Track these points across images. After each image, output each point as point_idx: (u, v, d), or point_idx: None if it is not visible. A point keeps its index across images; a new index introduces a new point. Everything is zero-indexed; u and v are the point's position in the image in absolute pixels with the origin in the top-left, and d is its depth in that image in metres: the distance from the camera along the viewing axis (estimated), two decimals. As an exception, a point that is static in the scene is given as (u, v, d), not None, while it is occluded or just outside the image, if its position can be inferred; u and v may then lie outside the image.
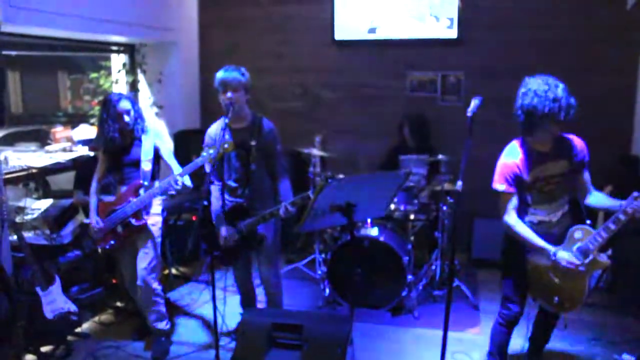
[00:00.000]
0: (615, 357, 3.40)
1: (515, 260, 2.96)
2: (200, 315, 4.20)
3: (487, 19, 5.22)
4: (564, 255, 2.73)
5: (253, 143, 3.32)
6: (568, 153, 2.82)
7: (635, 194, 2.56)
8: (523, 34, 5.13)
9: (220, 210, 3.37)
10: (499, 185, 2.85)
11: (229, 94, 3.20)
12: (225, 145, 3.01)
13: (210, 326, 3.96)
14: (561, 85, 2.66)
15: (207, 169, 3.04)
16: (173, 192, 3.40)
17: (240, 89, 3.24)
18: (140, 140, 3.52)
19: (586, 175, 2.89)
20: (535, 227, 2.86)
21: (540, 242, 2.78)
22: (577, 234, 2.77)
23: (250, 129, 3.36)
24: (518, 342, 3.26)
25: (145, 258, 3.50)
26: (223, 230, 3.32)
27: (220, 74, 3.27)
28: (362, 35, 5.48)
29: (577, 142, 2.86)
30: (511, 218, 2.85)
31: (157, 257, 3.56)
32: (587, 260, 2.71)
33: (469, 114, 2.59)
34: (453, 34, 5.25)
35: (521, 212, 2.88)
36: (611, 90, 4.97)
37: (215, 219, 3.41)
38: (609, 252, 4.32)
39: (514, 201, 2.85)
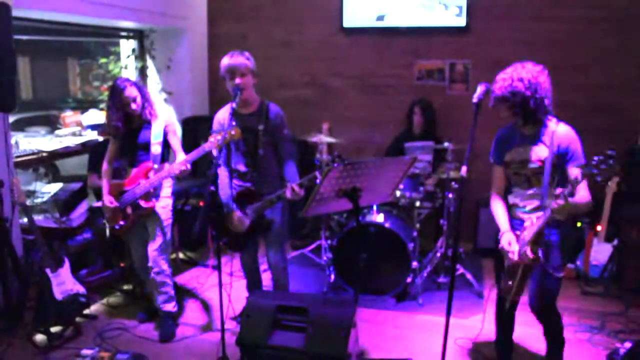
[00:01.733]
0: (618, 346, 3.40)
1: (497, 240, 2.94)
2: (207, 299, 4.24)
3: (496, 7, 5.18)
4: (505, 238, 2.70)
5: (261, 127, 3.34)
6: (550, 142, 2.62)
7: (557, 191, 2.40)
8: (533, 24, 5.09)
9: (230, 197, 3.40)
10: (491, 158, 2.93)
11: (237, 80, 3.21)
12: (232, 132, 3.00)
13: (216, 310, 4.00)
14: (518, 74, 2.56)
15: (214, 152, 3.06)
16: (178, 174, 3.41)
17: (247, 74, 3.26)
18: (149, 123, 3.54)
19: (572, 171, 2.53)
20: (508, 209, 2.85)
21: (499, 220, 2.79)
22: (527, 222, 2.66)
23: (257, 114, 3.38)
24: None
25: (156, 240, 3.55)
26: (238, 213, 3.34)
27: (225, 60, 3.27)
28: (371, 22, 5.46)
29: (564, 134, 2.61)
30: (492, 193, 2.90)
31: (167, 239, 3.61)
32: (522, 250, 2.60)
33: (475, 100, 2.60)
34: (462, 22, 5.22)
35: (506, 192, 2.91)
36: (619, 81, 4.94)
37: (225, 208, 3.44)
38: (615, 242, 4.36)
39: (497, 176, 2.90)
